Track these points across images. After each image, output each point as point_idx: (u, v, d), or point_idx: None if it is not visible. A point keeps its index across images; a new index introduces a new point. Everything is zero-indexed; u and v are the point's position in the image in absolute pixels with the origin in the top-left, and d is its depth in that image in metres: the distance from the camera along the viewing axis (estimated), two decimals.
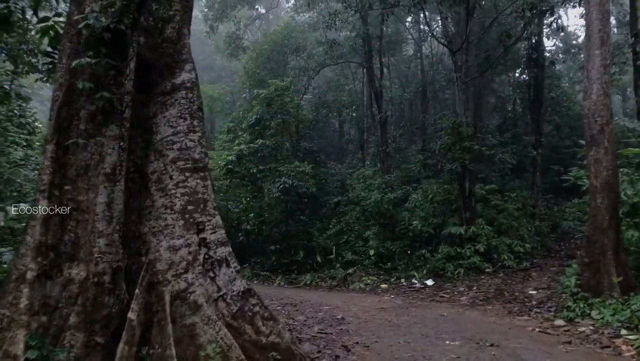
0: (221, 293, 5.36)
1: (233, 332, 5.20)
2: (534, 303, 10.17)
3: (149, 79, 5.91)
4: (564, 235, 20.75)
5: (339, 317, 8.61)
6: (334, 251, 19.09)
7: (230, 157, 19.12)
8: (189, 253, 5.34)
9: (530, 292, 11.62)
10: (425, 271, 16.33)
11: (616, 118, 12.41)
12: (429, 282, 15.27)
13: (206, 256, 5.41)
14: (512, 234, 17.51)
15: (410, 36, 32.33)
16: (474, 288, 13.50)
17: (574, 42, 36.39)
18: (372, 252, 18.50)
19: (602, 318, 7.59)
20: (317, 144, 37.18)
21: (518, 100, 28.04)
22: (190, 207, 5.51)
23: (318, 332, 7.12)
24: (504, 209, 18.63)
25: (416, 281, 15.65)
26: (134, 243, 5.47)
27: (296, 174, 18.40)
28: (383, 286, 15.68)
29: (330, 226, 20.99)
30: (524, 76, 27.65)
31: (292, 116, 20.86)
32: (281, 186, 18.18)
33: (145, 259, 5.39)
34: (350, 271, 18.00)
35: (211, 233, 5.54)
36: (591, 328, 7.33)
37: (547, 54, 27.61)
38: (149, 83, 5.89)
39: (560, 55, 35.16)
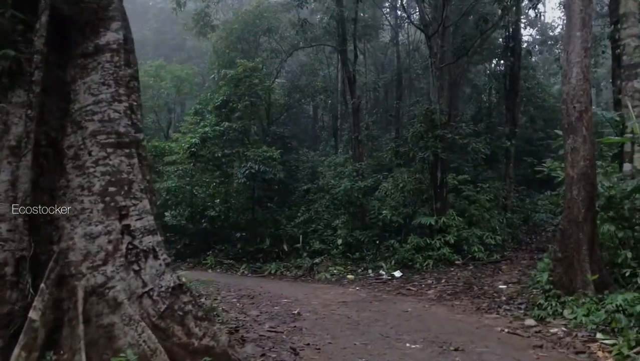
0: (147, 289, 4.58)
1: (159, 334, 4.45)
2: (504, 298, 9.64)
3: (68, 38, 5.05)
4: (535, 228, 20.46)
5: (296, 312, 7.93)
6: (300, 240, 18.39)
7: (193, 140, 18.19)
8: (109, 241, 4.54)
9: (500, 286, 11.12)
10: (393, 262, 15.77)
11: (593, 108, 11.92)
12: (397, 273, 14.71)
13: (130, 246, 4.61)
14: (484, 226, 17.07)
15: (387, 22, 31.62)
16: (443, 280, 12.98)
17: (551, 33, 36.22)
18: (339, 241, 17.88)
19: (575, 319, 7.05)
20: (290, 130, 36.35)
21: (494, 90, 27.64)
22: (111, 188, 4.69)
23: (268, 330, 6.41)
24: (476, 200, 18.17)
25: (383, 273, 15.08)
26: (44, 229, 4.65)
27: (263, 160, 17.59)
28: (350, 277, 15.07)
29: (299, 214, 20.31)
30: (500, 67, 27.32)
31: (261, 99, 19.98)
32: (247, 172, 17.36)
33: (56, 248, 4.58)
34: (317, 260, 17.36)
35: (137, 220, 4.74)
36: (564, 329, 6.78)
37: (524, 44, 27.29)
38: (67, 43, 5.03)
39: (536, 46, 34.99)
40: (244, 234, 19.43)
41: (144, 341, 4.36)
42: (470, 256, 15.42)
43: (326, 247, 18.40)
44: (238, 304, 9.15)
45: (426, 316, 7.92)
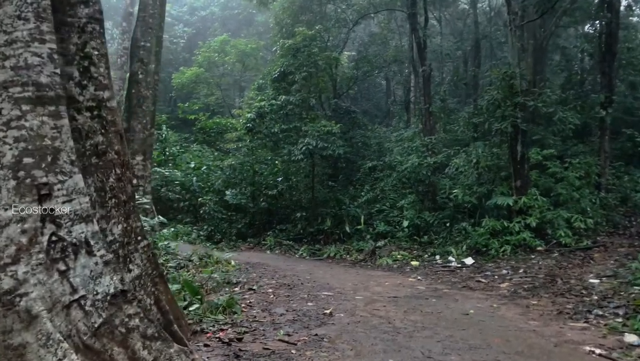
0: (76, 297, 3.38)
1: (93, 358, 3.30)
2: (596, 298, 7.80)
3: None
4: (635, 209, 17.70)
5: (328, 312, 6.61)
6: (362, 221, 17.00)
7: (249, 115, 17.19)
8: (23, 232, 3.32)
9: (591, 281, 9.20)
10: (464, 248, 14.05)
11: None
12: (468, 261, 13.02)
13: (53, 239, 3.43)
14: (572, 207, 14.77)
15: None
16: (520, 270, 11.19)
17: None
18: (405, 223, 16.35)
19: None
20: (362, 105, 34.85)
21: (586, 55, 24.47)
22: (27, 160, 3.45)
23: (280, 340, 5.15)
24: (563, 178, 15.83)
25: (453, 259, 13.43)
26: None
27: (321, 135, 16.26)
28: (414, 263, 13.55)
29: (362, 194, 18.91)
30: (594, 29, 24.06)
31: (321, 70, 18.58)
32: (304, 148, 16.13)
33: None
34: (380, 243, 15.97)
35: (64, 202, 3.50)
36: None
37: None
38: None
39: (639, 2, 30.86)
40: (304, 214, 18.33)
41: None
42: (555, 241, 13.33)
43: (391, 229, 16.97)
44: (271, 296, 7.98)
45: (490, 323, 6.32)
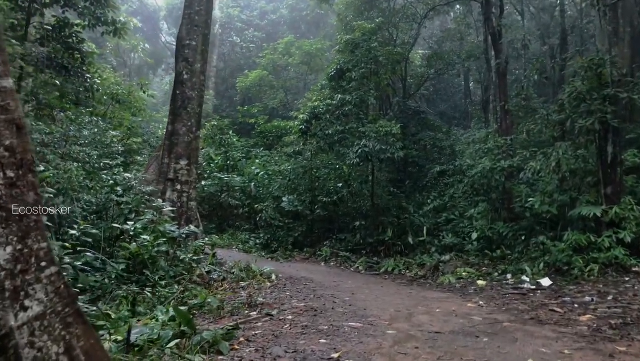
0: None
1: None
2: None
3: None
4: None
5: (336, 356, 5.20)
6: (424, 232, 15.32)
7: (302, 116, 16.05)
8: None
9: None
10: (542, 265, 12.03)
11: None
12: (544, 281, 11.05)
13: None
14: None
15: None
16: (609, 297, 9.18)
17: None
18: (474, 235, 14.52)
19: None
20: (438, 106, 32.90)
21: None
22: None
23: None
24: None
25: (527, 279, 11.50)
26: None
27: (379, 137, 14.79)
28: (480, 283, 11.76)
29: (428, 201, 17.20)
30: None
31: (382, 66, 17.10)
32: (359, 150, 14.73)
33: None
34: (445, 258, 14.28)
35: None
36: None
37: None
38: None
39: None
40: (363, 223, 16.91)
41: None
42: None
43: (459, 241, 15.19)
44: (286, 325, 6.68)
45: None
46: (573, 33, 25.99)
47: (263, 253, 17.68)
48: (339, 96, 15.96)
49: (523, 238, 13.76)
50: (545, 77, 21.54)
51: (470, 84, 35.29)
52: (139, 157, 22.81)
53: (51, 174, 7.83)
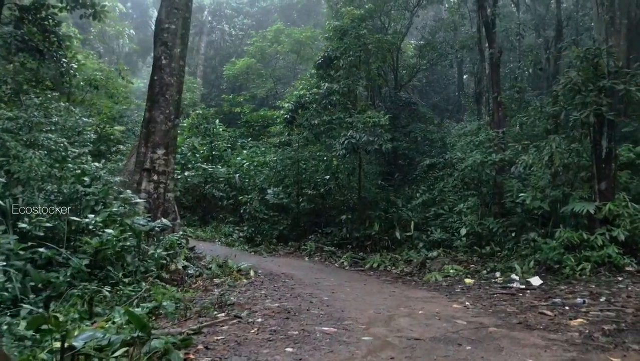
0: None
1: None
2: None
3: None
4: None
5: None
6: (412, 227, 14.82)
7: (287, 105, 15.44)
8: None
9: None
10: (532, 263, 11.58)
11: None
12: (535, 281, 10.59)
13: None
14: None
15: None
16: (602, 298, 8.73)
17: None
18: (463, 231, 14.03)
19: None
20: (431, 98, 32.42)
21: None
22: None
23: None
24: None
25: (516, 278, 11.04)
26: None
27: (367, 128, 14.21)
28: (467, 281, 11.29)
29: (417, 195, 16.69)
30: None
31: (371, 55, 16.49)
32: (346, 141, 14.16)
33: None
34: (433, 254, 13.79)
35: None
36: None
37: None
38: None
39: None
40: (350, 216, 16.37)
41: None
42: None
43: (448, 237, 14.71)
44: (253, 330, 6.13)
45: None
46: (568, 26, 25.44)
47: (246, 247, 17.13)
48: (326, 85, 15.35)
49: (513, 234, 13.30)
50: (540, 68, 21.02)
51: (464, 77, 34.74)
52: (121, 147, 22.12)
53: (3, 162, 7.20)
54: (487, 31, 17.00)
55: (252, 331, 6.12)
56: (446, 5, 28.75)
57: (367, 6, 17.54)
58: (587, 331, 6.67)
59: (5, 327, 5.29)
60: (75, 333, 5.25)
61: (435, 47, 22.73)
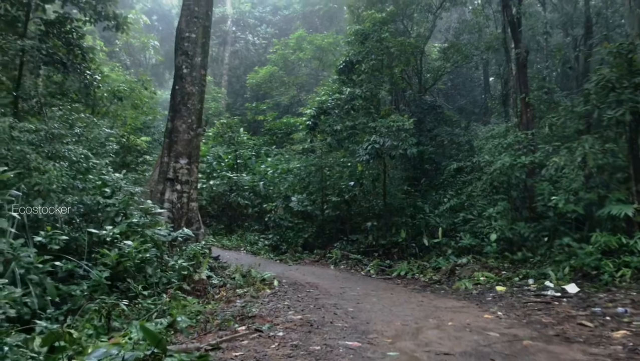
0: None
1: None
2: None
3: None
4: None
5: None
6: (440, 233, 14.41)
7: (309, 111, 15.23)
8: None
9: None
10: (567, 270, 11.05)
11: None
12: (571, 288, 10.09)
13: None
14: None
15: None
16: None
17: None
18: (493, 236, 13.54)
19: None
20: (457, 101, 31.89)
21: None
22: None
23: None
24: None
25: (551, 285, 10.55)
26: None
27: (390, 132, 13.89)
28: (499, 288, 10.84)
29: (445, 200, 16.25)
30: None
31: (393, 59, 16.16)
32: (369, 147, 13.86)
33: None
34: (462, 260, 13.36)
35: None
36: None
37: None
38: None
39: None
40: (375, 223, 16.03)
41: None
42: None
43: (478, 243, 14.23)
44: (273, 345, 5.88)
45: None
46: (598, 23, 24.65)
47: (272, 255, 16.94)
48: (348, 89, 15.07)
49: (546, 239, 12.78)
50: (569, 67, 20.37)
51: (491, 79, 34.06)
52: (148, 157, 22.23)
53: (11, 175, 7.13)
54: (512, 31, 16.55)
55: (273, 346, 5.87)
56: (470, 7, 28.25)
57: (388, 9, 17.22)
58: (631, 344, 6.23)
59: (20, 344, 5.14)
60: (90, 350, 5.09)
61: (459, 49, 22.24)
